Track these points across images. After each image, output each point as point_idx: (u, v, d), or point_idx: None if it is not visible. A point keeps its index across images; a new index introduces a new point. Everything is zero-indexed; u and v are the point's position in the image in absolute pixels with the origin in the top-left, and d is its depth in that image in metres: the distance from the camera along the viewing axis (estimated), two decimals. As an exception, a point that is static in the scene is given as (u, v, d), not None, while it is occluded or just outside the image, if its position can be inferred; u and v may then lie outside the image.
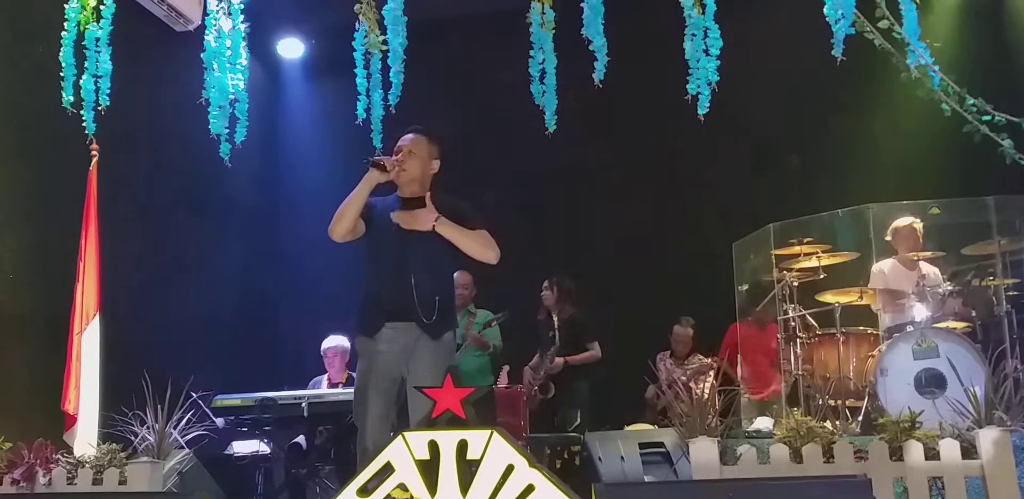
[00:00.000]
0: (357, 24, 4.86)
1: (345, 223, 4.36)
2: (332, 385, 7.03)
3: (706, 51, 4.27)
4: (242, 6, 5.09)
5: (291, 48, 9.54)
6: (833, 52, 4.06)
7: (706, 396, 4.51)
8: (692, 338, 7.69)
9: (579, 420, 6.96)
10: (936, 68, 4.25)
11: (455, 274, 4.71)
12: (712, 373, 6.90)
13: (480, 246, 4.37)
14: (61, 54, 5.07)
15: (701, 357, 7.54)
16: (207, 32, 5.05)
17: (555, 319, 7.17)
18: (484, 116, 8.90)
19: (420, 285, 4.27)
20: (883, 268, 6.49)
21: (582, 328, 7.24)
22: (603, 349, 7.27)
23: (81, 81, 5.07)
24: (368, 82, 4.90)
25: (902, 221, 6.48)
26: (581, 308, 7.34)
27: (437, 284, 4.37)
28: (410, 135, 4.54)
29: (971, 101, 4.37)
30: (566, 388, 7.16)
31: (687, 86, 4.28)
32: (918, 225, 6.45)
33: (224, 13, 5.04)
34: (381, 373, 4.34)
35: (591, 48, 4.41)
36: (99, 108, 5.06)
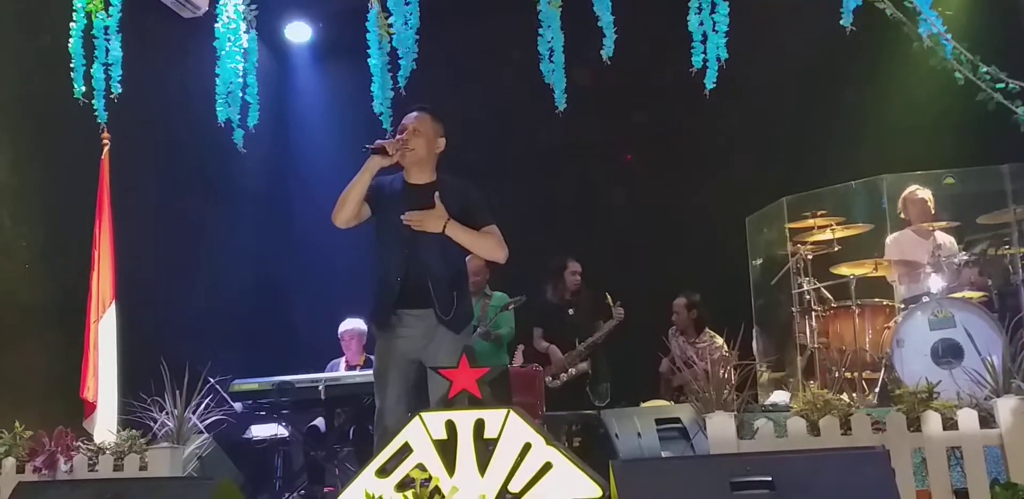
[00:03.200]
0: (369, 5, 4.83)
1: (347, 210, 4.34)
2: (350, 368, 7.07)
3: (714, 28, 4.25)
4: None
5: (299, 32, 9.50)
6: (842, 22, 4.03)
7: (722, 372, 4.50)
8: (688, 309, 7.63)
9: (610, 396, 7.02)
10: (948, 36, 4.20)
11: (467, 259, 4.64)
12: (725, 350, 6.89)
13: (489, 248, 4.35)
14: (71, 44, 5.07)
15: (712, 334, 7.51)
16: (218, 19, 5.03)
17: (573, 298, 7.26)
18: (493, 95, 8.87)
19: (436, 278, 4.26)
20: (898, 238, 6.47)
21: (600, 304, 7.27)
22: (616, 326, 7.28)
23: (91, 70, 5.08)
24: (379, 66, 4.88)
25: (907, 190, 6.46)
26: (592, 290, 7.37)
27: (452, 276, 4.35)
28: (414, 113, 4.46)
29: (984, 69, 4.32)
30: (597, 363, 7.24)
31: (692, 60, 4.26)
32: (923, 192, 6.42)
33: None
34: (399, 355, 4.34)
35: (599, 24, 4.38)
36: (111, 96, 5.07)
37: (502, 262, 4.41)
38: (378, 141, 4.35)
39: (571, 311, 7.34)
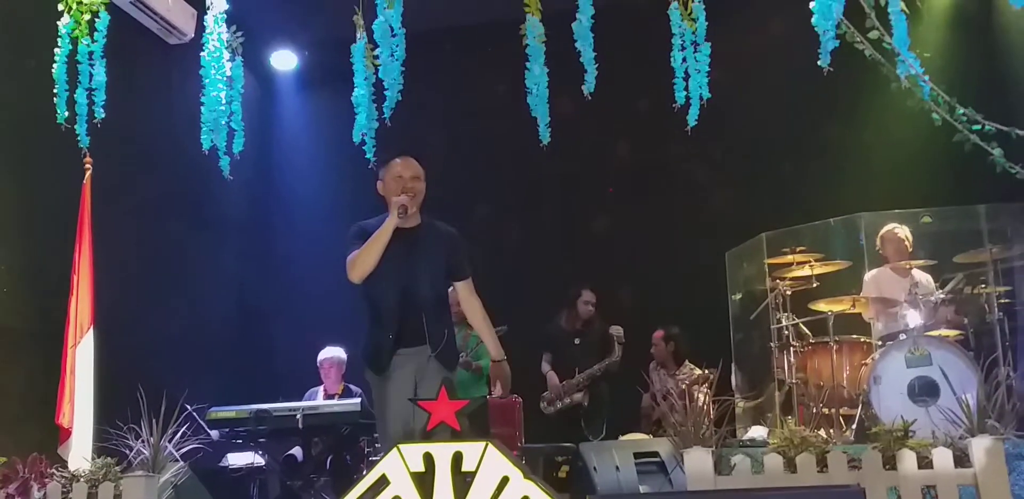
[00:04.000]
0: (356, 36, 4.86)
1: (367, 268, 4.41)
2: (328, 396, 7.04)
3: (696, 68, 4.31)
4: (225, 16, 5.08)
5: (284, 60, 9.57)
6: (820, 63, 4.09)
7: (701, 405, 4.51)
8: (665, 342, 7.66)
9: (604, 432, 7.01)
10: (926, 78, 4.27)
11: (448, 291, 4.72)
12: (706, 384, 6.90)
13: (482, 313, 4.65)
14: (55, 70, 5.08)
15: (692, 367, 7.53)
16: (205, 46, 5.05)
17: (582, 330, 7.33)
18: (477, 127, 8.93)
19: (429, 316, 4.43)
20: (876, 276, 6.52)
21: (611, 340, 7.30)
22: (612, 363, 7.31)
23: (75, 95, 5.08)
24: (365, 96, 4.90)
25: (885, 228, 6.52)
26: (606, 324, 7.40)
27: (443, 312, 4.55)
28: (406, 160, 4.59)
29: (961, 110, 4.39)
30: (595, 396, 7.25)
31: (675, 96, 4.32)
32: (901, 231, 6.48)
33: (218, 27, 5.04)
34: (396, 396, 4.39)
35: (581, 60, 4.43)
36: (95, 121, 5.07)
37: None
38: (400, 204, 4.40)
39: (577, 341, 7.36)
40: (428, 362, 4.40)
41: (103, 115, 5.05)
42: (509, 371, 4.62)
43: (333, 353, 7.22)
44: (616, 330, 7.19)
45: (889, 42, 4.23)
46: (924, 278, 6.39)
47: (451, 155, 8.89)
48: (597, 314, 7.45)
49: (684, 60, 4.40)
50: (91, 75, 5.08)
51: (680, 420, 4.27)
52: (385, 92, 4.78)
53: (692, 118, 4.32)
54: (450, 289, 4.76)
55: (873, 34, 4.24)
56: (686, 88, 4.37)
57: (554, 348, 7.49)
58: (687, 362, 7.64)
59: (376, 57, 4.81)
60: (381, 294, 4.48)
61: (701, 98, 4.31)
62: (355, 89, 4.86)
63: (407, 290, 4.43)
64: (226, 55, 5.11)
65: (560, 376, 7.32)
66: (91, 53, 5.09)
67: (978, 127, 4.41)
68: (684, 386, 7.10)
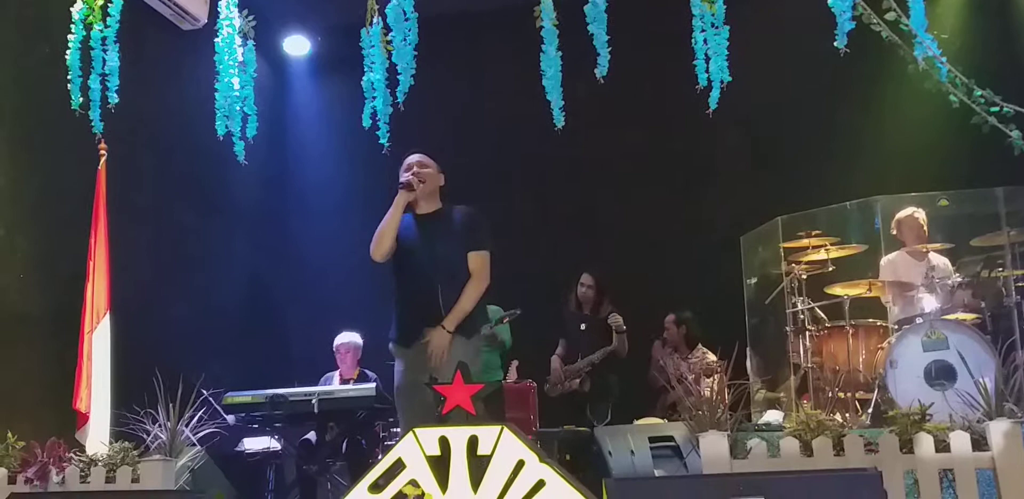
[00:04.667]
0: (368, 24, 4.85)
1: (385, 245, 4.78)
2: (344, 381, 7.06)
3: (716, 53, 4.28)
4: (237, 1, 5.08)
5: (297, 45, 9.55)
6: (836, 44, 4.06)
7: (715, 390, 4.51)
8: (676, 325, 7.63)
9: (610, 416, 6.99)
10: (943, 60, 4.23)
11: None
12: (719, 369, 6.89)
13: (475, 294, 4.75)
14: (68, 56, 5.08)
15: (705, 350, 7.52)
16: (219, 32, 5.04)
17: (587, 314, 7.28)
18: (491, 112, 8.91)
19: (445, 295, 4.66)
20: (892, 260, 6.49)
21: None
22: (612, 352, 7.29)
23: (88, 81, 5.08)
24: (373, 83, 4.90)
25: (904, 212, 6.48)
26: (617, 308, 7.36)
27: (458, 291, 4.72)
28: (414, 155, 4.95)
29: (979, 92, 4.35)
30: (599, 382, 7.20)
31: (698, 78, 4.29)
32: (920, 214, 6.44)
33: (231, 12, 5.03)
34: (418, 372, 4.59)
35: (594, 43, 4.40)
36: (108, 106, 5.07)
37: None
38: (402, 180, 4.81)
39: (583, 326, 7.33)
40: (451, 339, 4.62)
41: (117, 100, 5.06)
42: (445, 343, 4.61)
43: (349, 338, 7.24)
44: (614, 319, 7.14)
45: (906, 23, 4.19)
46: (941, 262, 6.35)
47: (463, 140, 8.88)
48: (603, 297, 7.37)
49: (705, 42, 4.37)
50: (104, 60, 5.08)
51: (695, 404, 4.27)
52: (399, 76, 4.78)
53: (713, 101, 4.30)
54: None
55: (890, 15, 4.20)
56: (707, 70, 4.34)
57: (565, 334, 7.48)
58: (700, 346, 7.62)
59: (389, 42, 4.80)
60: (406, 275, 4.80)
61: (721, 81, 4.29)
62: (366, 74, 4.87)
63: (430, 270, 4.70)
64: (238, 40, 5.10)
65: (567, 362, 7.31)
66: (104, 38, 5.09)
67: (996, 109, 4.36)
68: (699, 370, 7.10)
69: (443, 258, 4.73)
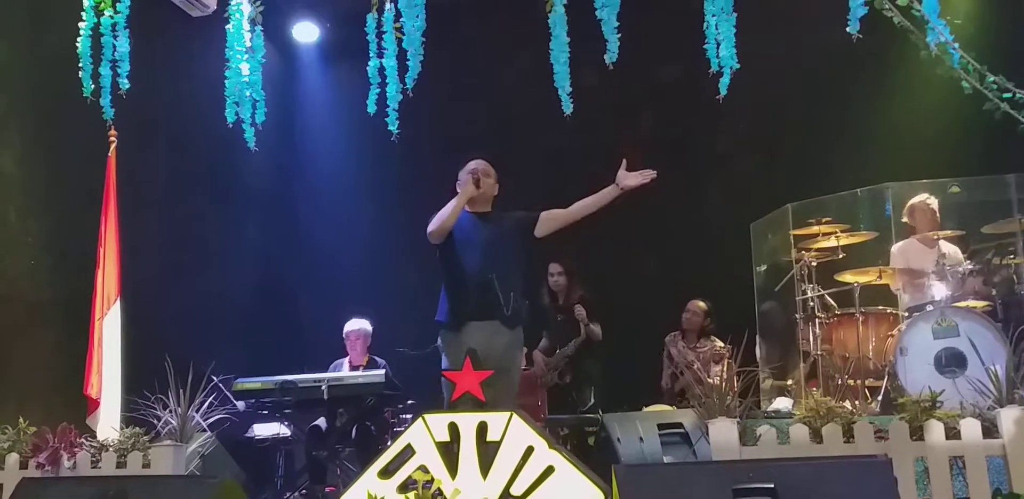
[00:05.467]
0: (373, 10, 4.84)
1: (447, 226, 5.00)
2: (353, 368, 7.07)
3: (724, 38, 4.26)
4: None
5: (306, 32, 9.53)
6: (848, 29, 4.03)
7: (724, 377, 4.50)
8: (705, 315, 7.58)
9: (593, 399, 6.98)
10: (956, 45, 4.20)
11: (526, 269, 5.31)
12: (727, 356, 6.88)
13: (586, 206, 5.27)
14: (79, 43, 5.08)
15: (714, 339, 7.50)
16: (231, 19, 5.03)
17: (560, 304, 7.25)
18: (499, 97, 8.88)
19: (501, 285, 4.91)
20: (903, 247, 6.47)
21: (588, 310, 7.22)
22: (620, 332, 7.31)
23: (99, 68, 5.08)
24: (382, 68, 4.89)
25: (916, 198, 6.46)
26: (587, 290, 7.33)
27: (511, 283, 4.99)
28: (479, 162, 5.20)
29: (991, 78, 4.32)
30: (579, 369, 7.18)
31: (710, 63, 4.28)
32: (932, 201, 6.41)
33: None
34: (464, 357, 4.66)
35: (602, 29, 4.38)
36: (119, 92, 5.08)
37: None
38: (472, 173, 5.10)
39: (559, 316, 7.30)
40: (494, 334, 4.89)
41: (128, 86, 5.06)
42: None
43: (359, 325, 7.25)
44: (579, 312, 7.10)
45: (918, 9, 4.16)
46: (952, 249, 6.32)
47: (472, 127, 8.87)
48: (575, 285, 7.32)
49: (717, 27, 4.34)
50: (114, 47, 5.08)
51: (705, 391, 4.26)
52: (407, 62, 4.77)
53: (723, 87, 4.27)
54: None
55: (902, 1, 4.17)
56: (717, 55, 4.32)
57: (546, 326, 7.44)
58: (712, 336, 7.60)
59: (399, 29, 4.79)
60: (462, 266, 5.01)
61: (732, 69, 4.27)
62: (371, 60, 4.87)
63: (483, 260, 4.96)
64: (247, 26, 5.09)
65: (549, 353, 7.29)
66: (114, 25, 5.08)
67: (1009, 95, 4.34)
68: (708, 359, 7.08)
69: (498, 252, 4.98)
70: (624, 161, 5.06)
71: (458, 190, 5.12)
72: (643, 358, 7.52)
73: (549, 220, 5.16)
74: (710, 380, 4.41)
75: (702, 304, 7.52)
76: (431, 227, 5.01)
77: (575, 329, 7.14)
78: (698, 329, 7.53)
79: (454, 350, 4.91)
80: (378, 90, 4.93)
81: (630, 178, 5.10)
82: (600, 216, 5.29)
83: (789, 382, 6.71)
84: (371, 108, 4.95)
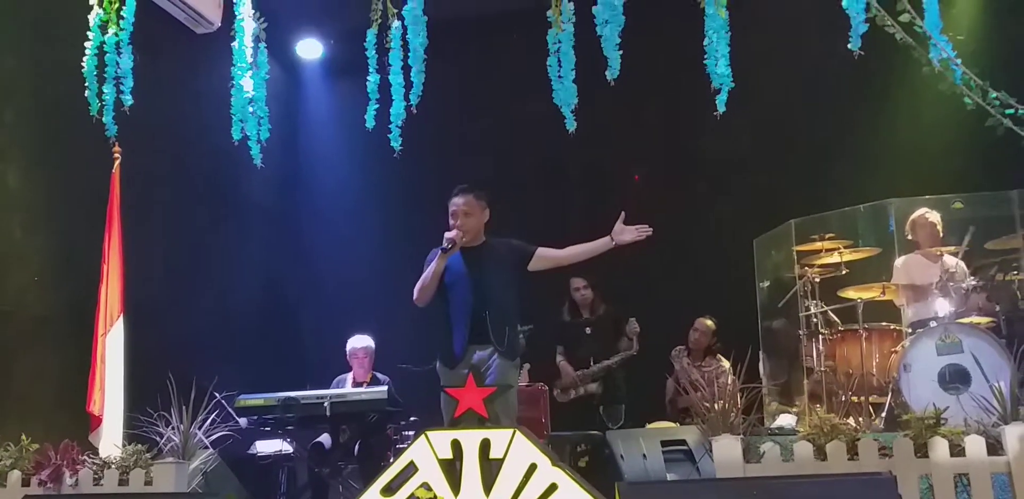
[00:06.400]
0: (374, 26, 4.87)
1: (429, 294, 5.10)
2: (357, 384, 7.05)
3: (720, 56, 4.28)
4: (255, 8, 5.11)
5: (310, 49, 9.57)
6: (850, 45, 4.04)
7: (728, 393, 4.49)
8: (713, 334, 7.58)
9: (623, 418, 6.98)
10: (958, 61, 4.21)
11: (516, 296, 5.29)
12: (731, 374, 6.87)
13: (576, 253, 5.28)
14: (85, 63, 5.10)
15: (720, 357, 7.48)
16: (238, 36, 5.06)
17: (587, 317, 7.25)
18: (503, 115, 8.90)
19: (494, 320, 4.99)
20: (906, 262, 6.44)
21: (619, 325, 7.24)
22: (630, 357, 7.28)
23: (104, 86, 5.10)
24: (383, 84, 4.92)
25: (916, 213, 6.44)
26: (612, 306, 7.35)
27: (506, 317, 5.06)
28: (459, 198, 5.13)
29: (994, 94, 4.32)
30: (610, 385, 7.19)
31: (710, 79, 4.29)
32: (932, 215, 6.39)
33: (245, 16, 5.05)
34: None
35: (602, 46, 4.40)
36: (123, 108, 5.09)
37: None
38: (447, 238, 5.03)
39: (588, 330, 7.32)
40: (490, 358, 4.97)
41: (131, 102, 5.08)
42: None
43: (365, 342, 7.22)
44: (632, 325, 7.14)
45: (920, 25, 4.17)
46: (955, 264, 6.30)
47: (475, 144, 8.88)
48: (598, 298, 7.37)
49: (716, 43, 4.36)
50: (118, 63, 5.10)
51: (708, 408, 4.25)
52: (412, 78, 4.78)
53: (720, 104, 4.29)
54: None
55: (904, 17, 4.18)
56: (716, 65, 4.34)
57: (566, 341, 7.45)
58: (718, 355, 7.59)
59: (402, 46, 4.81)
60: (453, 300, 5.08)
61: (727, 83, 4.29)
62: (371, 75, 4.89)
63: (475, 296, 5.02)
64: (250, 43, 5.12)
65: (575, 366, 7.29)
66: (118, 43, 5.11)
67: (1011, 111, 4.34)
68: (713, 377, 7.05)
69: (490, 287, 5.04)
70: (623, 214, 5.06)
71: (450, 211, 5.11)
72: (647, 374, 7.50)
73: (543, 259, 5.19)
74: (716, 396, 4.39)
75: (710, 322, 7.53)
76: (415, 295, 5.12)
77: (607, 341, 7.16)
78: (704, 348, 7.52)
79: (449, 379, 4.98)
80: (376, 106, 4.97)
81: (626, 233, 5.12)
82: (604, 232, 5.28)
83: (792, 409, 6.67)
84: (370, 123, 5.00)
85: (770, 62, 7.53)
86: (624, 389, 7.25)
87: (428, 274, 5.05)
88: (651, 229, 5.09)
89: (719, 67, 4.29)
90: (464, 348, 5.01)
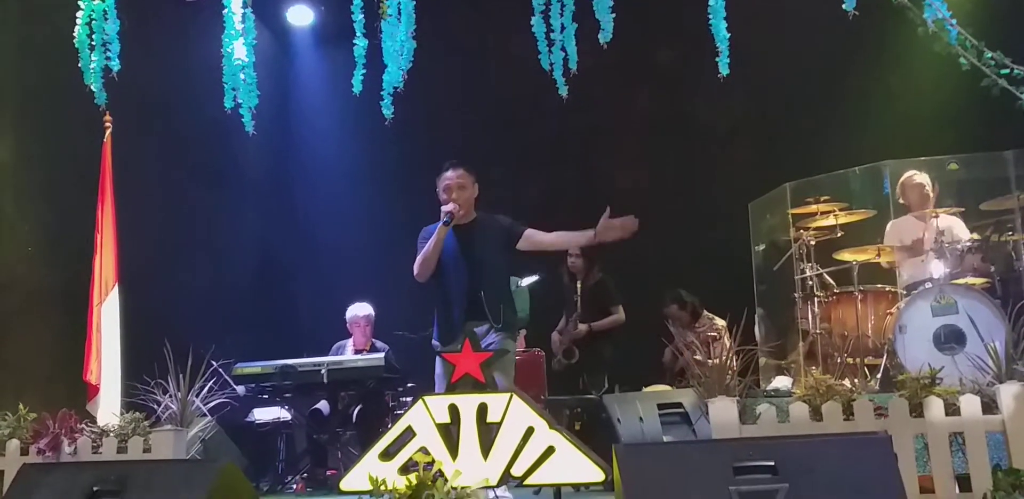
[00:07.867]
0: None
1: (429, 270, 5.11)
2: (357, 351, 7.05)
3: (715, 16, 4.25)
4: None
5: (300, 15, 9.47)
6: (844, 6, 4.01)
7: (724, 356, 4.50)
8: (680, 309, 7.58)
9: (607, 385, 6.99)
10: (953, 22, 4.19)
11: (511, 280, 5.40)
12: (727, 334, 6.89)
13: (563, 240, 5.38)
14: (76, 35, 5.04)
15: (711, 316, 7.49)
16: (226, 3, 4.99)
17: (579, 285, 7.19)
18: (494, 81, 8.85)
19: (490, 299, 5.04)
20: (897, 224, 6.45)
21: (607, 293, 7.22)
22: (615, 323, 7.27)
23: (92, 54, 5.05)
24: (371, 50, 4.87)
25: (904, 175, 6.43)
26: (607, 273, 7.33)
27: (499, 295, 5.12)
28: (451, 172, 5.13)
29: (989, 55, 4.31)
30: (592, 352, 7.17)
31: (707, 43, 4.26)
32: (920, 177, 6.38)
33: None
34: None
35: (595, 8, 4.37)
36: (111, 75, 5.04)
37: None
38: (446, 211, 5.03)
39: (576, 297, 7.30)
40: (488, 331, 5.02)
41: (119, 67, 5.02)
42: None
43: (368, 310, 7.21)
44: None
45: (915, -15, 4.14)
46: (951, 224, 6.29)
47: (467, 111, 8.84)
48: (591, 264, 7.29)
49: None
50: (104, 30, 5.04)
51: (704, 371, 4.26)
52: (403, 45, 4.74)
53: (723, 66, 4.25)
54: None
55: (899, -23, 4.16)
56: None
57: (566, 307, 7.46)
58: (705, 313, 7.60)
59: (389, 12, 4.76)
60: (448, 280, 5.11)
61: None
62: (358, 40, 4.83)
63: (469, 275, 5.05)
64: (241, 10, 5.05)
65: (568, 333, 7.30)
66: (105, 11, 5.05)
67: (1007, 71, 4.33)
68: (707, 338, 7.08)
69: (483, 264, 5.08)
70: (608, 208, 4.93)
71: (440, 196, 5.12)
72: (642, 337, 7.51)
73: (529, 241, 5.17)
74: (710, 360, 4.40)
75: (672, 306, 7.55)
76: (416, 271, 5.12)
77: (595, 304, 7.16)
78: (687, 318, 7.53)
79: (446, 365, 4.91)
80: (364, 71, 4.92)
81: (610, 232, 4.97)
82: (600, 197, 5.28)
83: (782, 362, 6.70)
84: (356, 88, 4.95)
85: (763, 25, 7.46)
86: (607, 356, 7.21)
87: (429, 247, 5.05)
88: (636, 223, 4.96)
89: (716, 29, 4.26)
90: (461, 326, 5.03)
